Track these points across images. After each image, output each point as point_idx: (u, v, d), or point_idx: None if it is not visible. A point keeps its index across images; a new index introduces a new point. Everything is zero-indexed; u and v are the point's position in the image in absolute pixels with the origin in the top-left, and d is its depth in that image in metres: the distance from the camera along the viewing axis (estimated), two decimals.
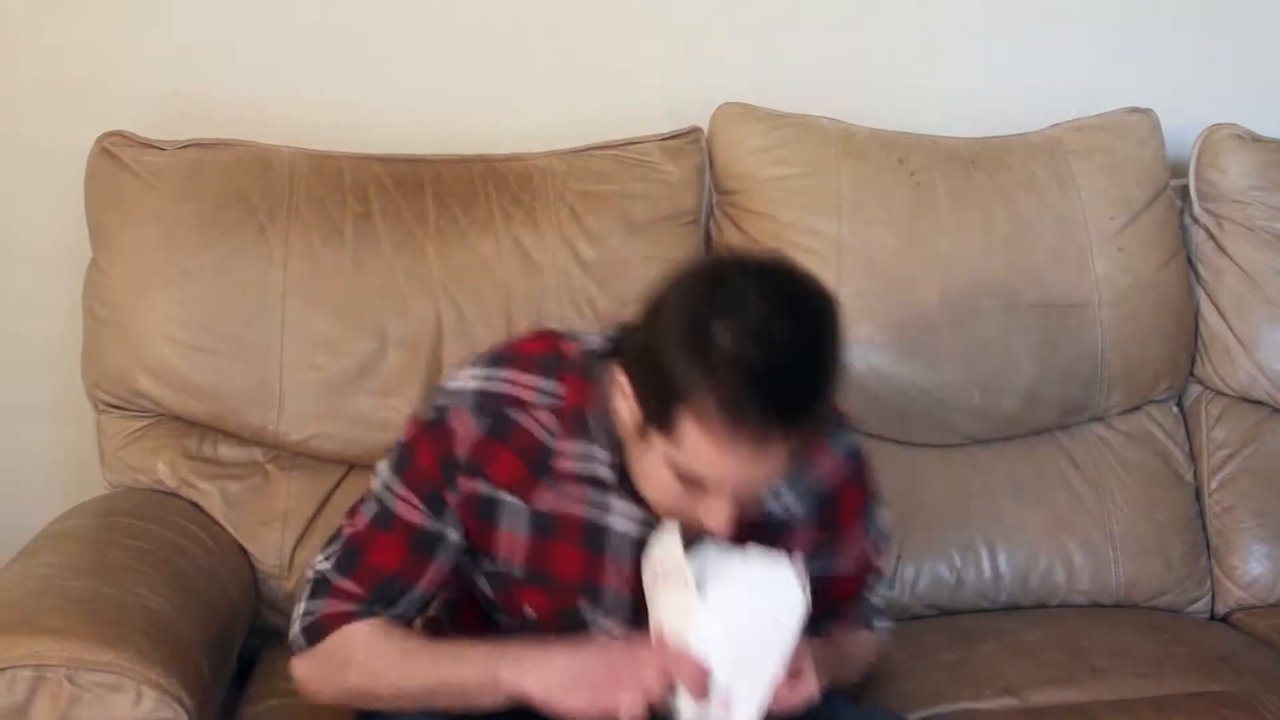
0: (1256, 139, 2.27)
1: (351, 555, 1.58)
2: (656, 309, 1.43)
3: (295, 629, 1.60)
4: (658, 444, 1.43)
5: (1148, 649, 1.99)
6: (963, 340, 2.15)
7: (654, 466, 1.45)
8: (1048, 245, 2.17)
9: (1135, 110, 2.27)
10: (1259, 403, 2.25)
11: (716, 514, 1.44)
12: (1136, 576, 2.17)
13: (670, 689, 1.45)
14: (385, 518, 1.57)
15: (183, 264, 1.98)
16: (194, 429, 2.02)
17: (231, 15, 2.20)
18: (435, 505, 1.55)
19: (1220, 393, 2.27)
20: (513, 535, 1.56)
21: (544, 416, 1.55)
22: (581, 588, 1.57)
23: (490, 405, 1.54)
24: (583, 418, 1.54)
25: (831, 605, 1.65)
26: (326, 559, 1.60)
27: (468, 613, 1.69)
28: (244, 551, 1.97)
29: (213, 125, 2.10)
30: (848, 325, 1.43)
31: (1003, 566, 2.14)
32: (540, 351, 1.58)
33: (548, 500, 1.55)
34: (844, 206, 2.13)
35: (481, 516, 1.56)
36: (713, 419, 1.36)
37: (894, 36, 2.37)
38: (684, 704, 1.44)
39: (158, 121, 2.09)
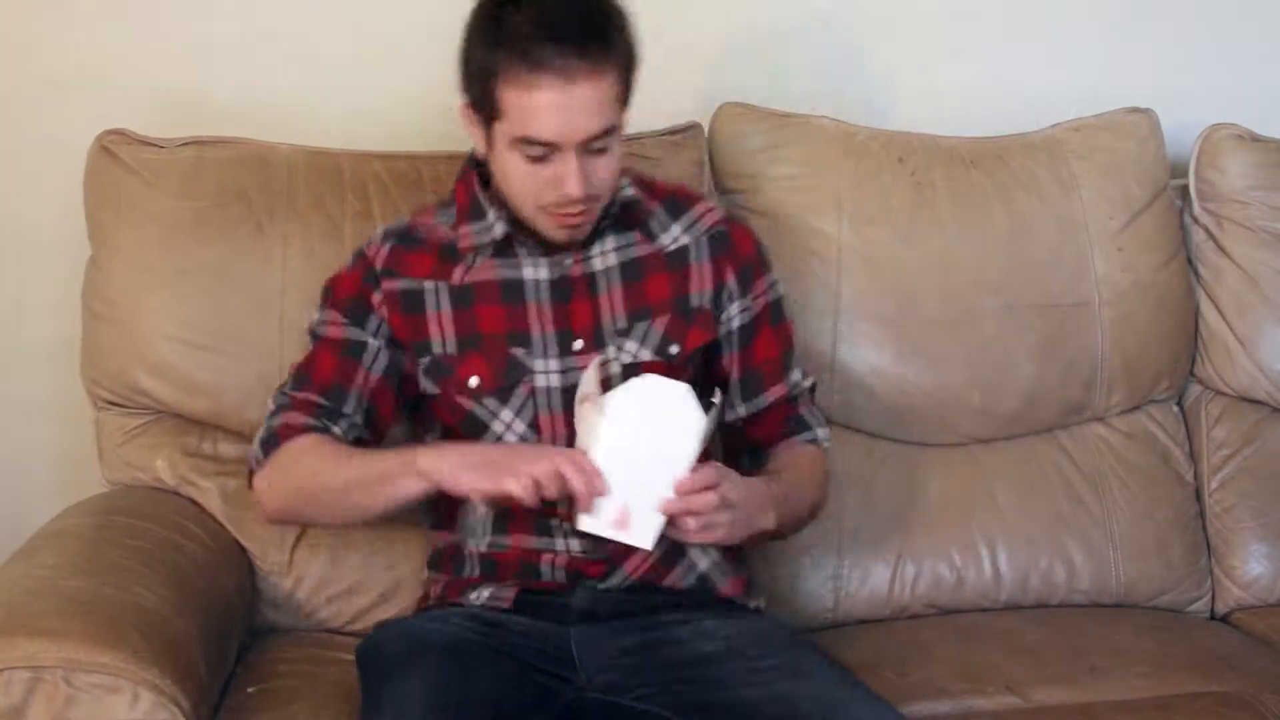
0: (1256, 139, 2.27)
1: (298, 377, 1.81)
2: (464, 38, 1.70)
3: (254, 445, 1.79)
4: (499, 134, 1.68)
5: (1148, 649, 1.99)
6: (963, 340, 2.15)
7: (503, 159, 1.70)
8: (1048, 245, 2.17)
9: (1135, 110, 2.27)
10: (1259, 403, 2.25)
11: (565, 175, 1.66)
12: (1136, 576, 2.17)
13: (568, 495, 1.58)
14: (317, 341, 1.81)
15: (182, 262, 1.98)
16: (193, 426, 2.02)
17: (231, 14, 2.20)
18: (357, 314, 1.79)
19: (1220, 393, 2.26)
20: (439, 314, 1.79)
21: (444, 228, 1.82)
22: (510, 337, 1.78)
23: (396, 229, 1.84)
24: (473, 201, 1.80)
25: (755, 367, 1.87)
26: (281, 387, 1.82)
27: (448, 508, 1.81)
28: (243, 550, 1.96)
29: (212, 123, 2.10)
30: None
31: (1003, 566, 2.14)
32: (436, 201, 1.88)
33: (461, 275, 1.79)
34: (844, 206, 2.13)
35: (406, 309, 1.79)
36: (518, 73, 1.62)
37: (894, 36, 2.37)
38: (582, 516, 1.59)
39: (157, 120, 2.09)
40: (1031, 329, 2.16)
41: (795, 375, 1.90)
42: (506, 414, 1.77)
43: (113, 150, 2.00)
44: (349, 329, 1.79)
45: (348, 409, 1.78)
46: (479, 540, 1.78)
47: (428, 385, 1.80)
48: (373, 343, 1.79)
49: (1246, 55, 2.47)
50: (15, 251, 2.24)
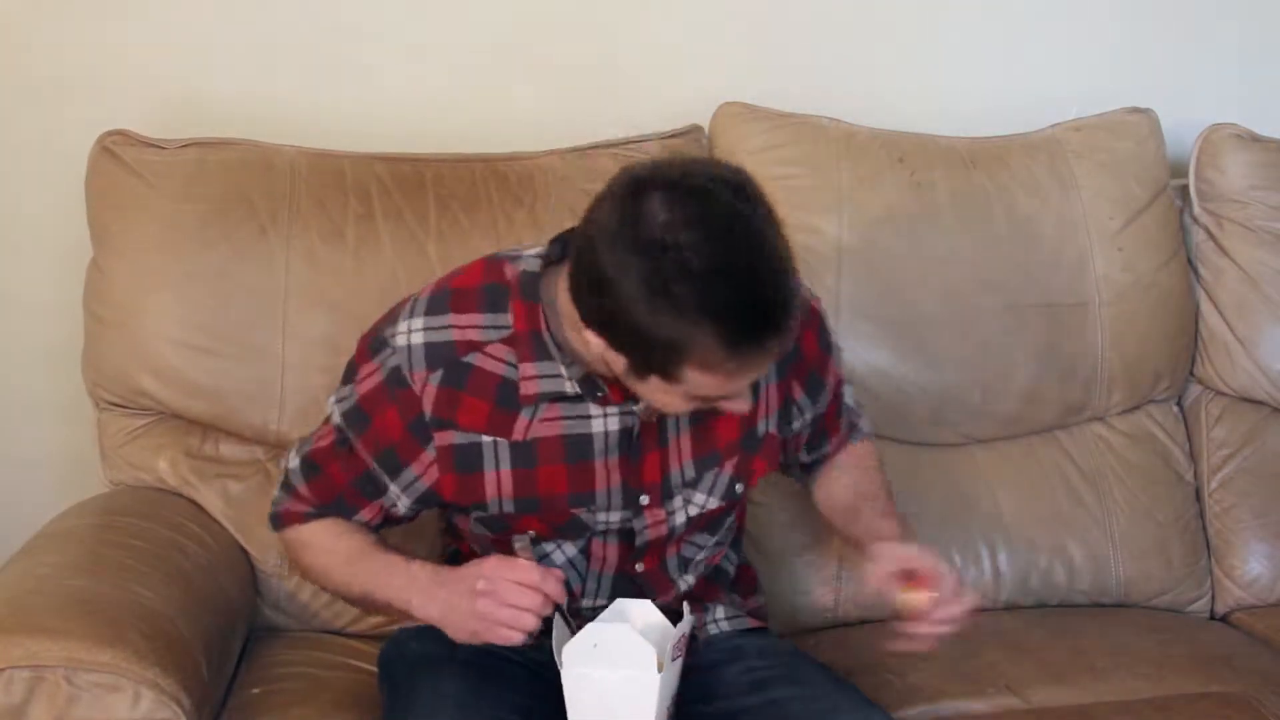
0: (1256, 139, 2.27)
1: (311, 468, 1.69)
2: (601, 270, 1.42)
3: (270, 511, 1.74)
4: (657, 385, 1.47)
5: (1148, 649, 1.99)
6: (963, 340, 2.15)
7: (655, 395, 1.51)
8: (1048, 245, 2.18)
9: (1135, 110, 2.27)
10: (1259, 403, 2.25)
11: (738, 406, 1.54)
12: (1136, 576, 2.17)
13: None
14: (343, 450, 1.65)
15: (184, 264, 1.98)
16: (195, 428, 2.02)
17: (232, 15, 2.20)
18: (391, 464, 1.62)
19: (1220, 393, 2.27)
20: (498, 474, 1.61)
21: (498, 350, 1.58)
22: (571, 499, 1.63)
23: (443, 354, 1.58)
24: (536, 339, 1.57)
25: (822, 430, 1.79)
26: (298, 454, 1.70)
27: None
28: (244, 551, 1.96)
29: (214, 124, 2.10)
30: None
31: (1003, 566, 2.14)
32: (480, 284, 1.61)
33: (524, 429, 1.60)
34: (844, 206, 2.14)
35: (462, 467, 1.61)
36: (717, 363, 1.42)
37: (894, 36, 2.37)
38: None
39: (158, 121, 2.09)
40: (1031, 329, 2.16)
41: (848, 402, 1.85)
42: (561, 540, 1.68)
43: (114, 151, 2.01)
44: (376, 468, 1.63)
45: (355, 520, 1.69)
46: None
47: (480, 529, 1.68)
48: (395, 491, 1.64)
49: (1246, 55, 2.47)
50: (16, 253, 2.24)
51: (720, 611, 1.79)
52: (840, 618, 2.10)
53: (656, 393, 1.50)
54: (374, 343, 1.62)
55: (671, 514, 1.67)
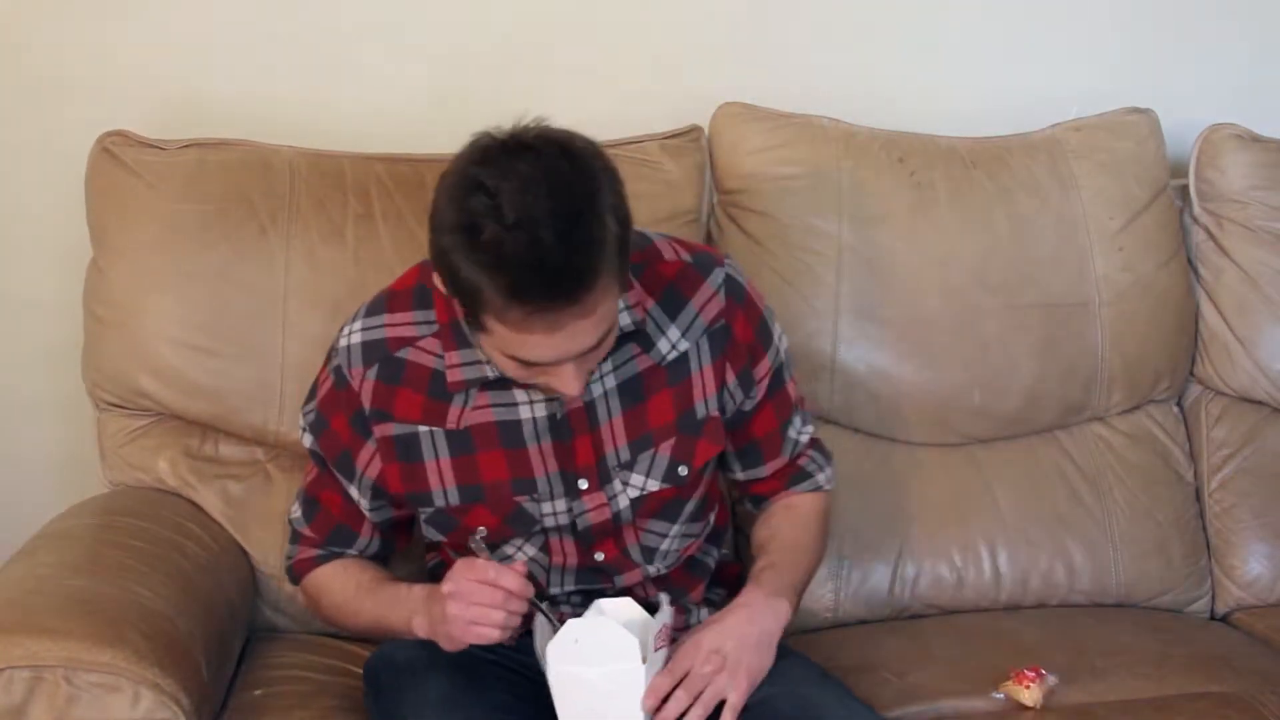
0: (1256, 139, 2.27)
1: (309, 505, 1.77)
2: (437, 205, 1.50)
3: (285, 566, 1.82)
4: (483, 340, 1.54)
5: (1148, 649, 1.99)
6: (963, 340, 2.15)
7: (493, 354, 1.56)
8: (1048, 245, 2.17)
9: (1135, 110, 2.27)
10: (1259, 403, 2.25)
11: (562, 380, 1.54)
12: (1136, 576, 2.17)
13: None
14: (323, 470, 1.74)
15: (184, 264, 1.98)
16: (195, 428, 2.02)
17: (232, 15, 2.21)
18: (346, 468, 1.71)
19: (1220, 393, 2.27)
20: (438, 463, 1.67)
21: (429, 344, 1.66)
22: (515, 484, 1.68)
23: (377, 351, 1.67)
24: (456, 328, 1.63)
25: (753, 441, 1.79)
26: (296, 506, 1.79)
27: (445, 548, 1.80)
28: (244, 551, 1.97)
29: (213, 125, 2.10)
30: (619, 193, 1.51)
31: (1003, 566, 2.14)
32: (414, 284, 1.70)
33: (457, 417, 1.66)
34: (844, 206, 2.13)
35: (403, 456, 1.67)
36: (504, 314, 1.46)
37: (894, 36, 2.37)
38: None
39: (158, 121, 2.09)
40: (1031, 329, 2.16)
41: (793, 435, 1.83)
42: (518, 540, 1.72)
43: (114, 152, 2.01)
44: (338, 476, 1.72)
45: (357, 545, 1.78)
46: None
47: (432, 533, 1.73)
48: (355, 494, 1.72)
49: (1246, 55, 2.47)
50: (16, 253, 2.24)
51: (705, 613, 1.79)
52: (840, 618, 2.10)
53: (486, 348, 1.55)
54: (329, 351, 1.73)
55: (612, 497, 1.70)
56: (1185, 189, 2.29)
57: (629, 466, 1.70)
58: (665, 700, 1.57)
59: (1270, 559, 2.19)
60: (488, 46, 2.26)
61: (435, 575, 1.82)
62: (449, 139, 2.14)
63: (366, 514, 1.74)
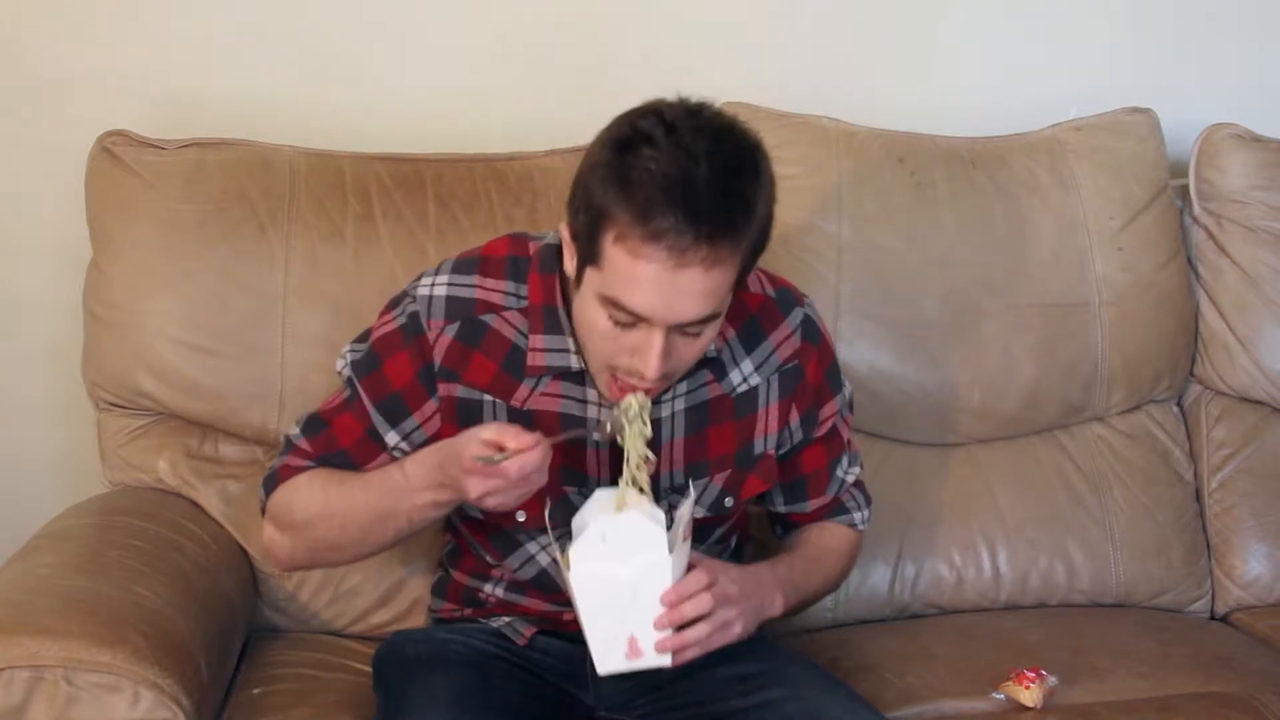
0: (1256, 139, 2.27)
1: (316, 423, 1.70)
2: (599, 138, 1.51)
3: (265, 473, 1.74)
4: (590, 280, 1.50)
5: (1148, 649, 1.99)
6: (963, 340, 2.15)
7: (588, 306, 1.52)
8: (1048, 245, 2.18)
9: (1135, 110, 2.27)
10: (1259, 403, 2.25)
11: (646, 351, 1.49)
12: (1136, 576, 2.17)
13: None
14: (354, 402, 1.67)
15: (183, 264, 1.98)
16: (195, 428, 2.02)
17: (232, 15, 2.21)
18: (393, 412, 1.64)
19: (1220, 393, 2.27)
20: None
21: (514, 317, 1.63)
22: (564, 473, 1.64)
23: (462, 310, 1.63)
24: (550, 312, 1.61)
25: (800, 477, 1.76)
26: (298, 424, 1.72)
27: (469, 558, 1.77)
28: (243, 551, 1.97)
29: (214, 124, 2.10)
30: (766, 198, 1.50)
31: (1003, 566, 2.14)
32: (506, 254, 1.67)
33: (525, 397, 1.63)
34: (844, 206, 2.13)
35: (463, 421, 1.62)
36: (630, 230, 1.43)
37: (894, 36, 2.37)
38: (597, 661, 1.53)
39: (158, 121, 2.09)
40: (1031, 329, 2.16)
41: (840, 474, 1.81)
42: (544, 538, 1.67)
43: (114, 152, 2.01)
44: (376, 417, 1.66)
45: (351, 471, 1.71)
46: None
47: (469, 507, 1.63)
48: (394, 440, 1.66)
49: (1246, 55, 2.47)
50: (16, 253, 2.24)
51: None
52: (840, 618, 2.10)
53: (589, 299, 1.51)
54: (395, 299, 1.68)
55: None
56: (1185, 189, 2.29)
57: (681, 491, 1.67)
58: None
59: (1270, 559, 2.19)
60: (488, 46, 2.27)
61: (452, 557, 1.82)
62: (449, 139, 2.17)
63: (397, 458, 1.66)
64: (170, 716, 1.53)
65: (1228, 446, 2.24)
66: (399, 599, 1.98)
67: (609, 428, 1.58)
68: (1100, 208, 2.20)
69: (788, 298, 1.73)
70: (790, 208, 2.13)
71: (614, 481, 1.62)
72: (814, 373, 1.73)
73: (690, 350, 1.55)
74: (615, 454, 1.63)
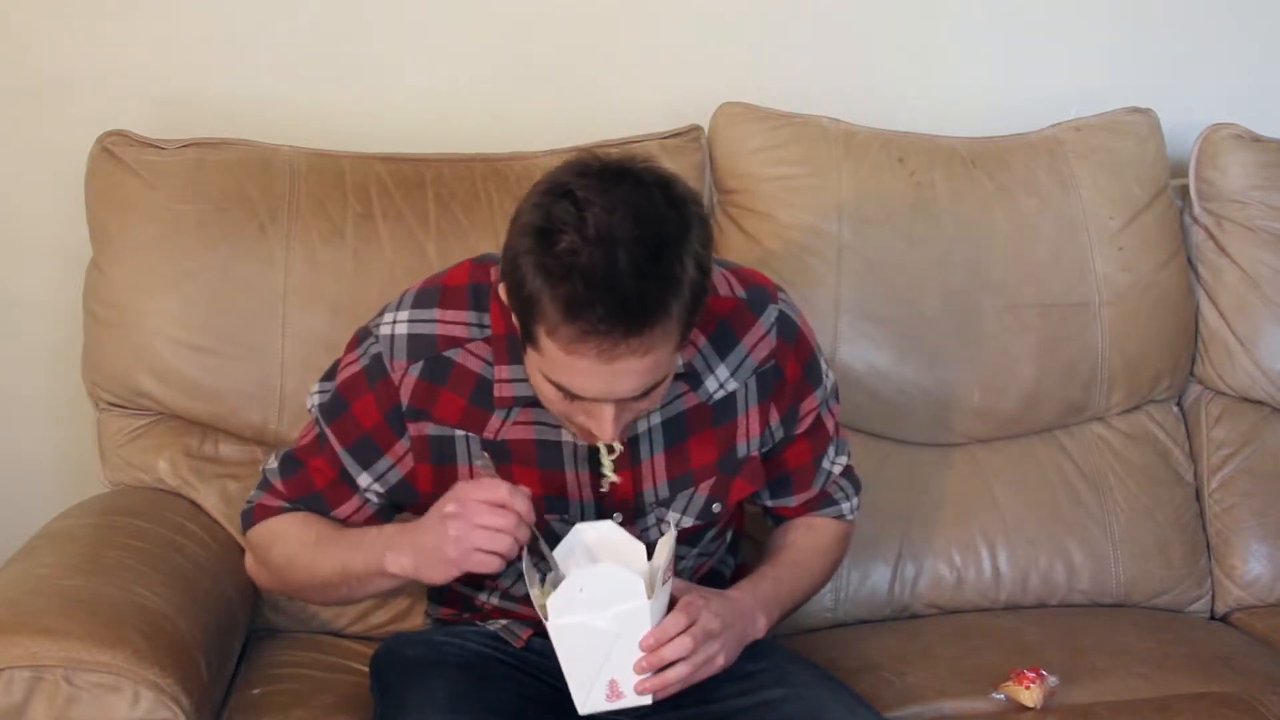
0: (1256, 139, 2.27)
1: (291, 463, 1.70)
2: (521, 207, 1.45)
3: (242, 509, 1.75)
4: (532, 358, 1.49)
5: (1148, 649, 1.99)
6: (963, 340, 2.15)
7: (535, 377, 1.51)
8: (1048, 245, 2.17)
9: (1135, 110, 2.27)
10: (1259, 403, 2.25)
11: (599, 422, 1.49)
12: (1136, 576, 2.17)
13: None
14: (324, 443, 1.66)
15: (183, 264, 1.98)
16: (195, 428, 2.02)
17: (232, 15, 2.20)
18: (364, 454, 1.64)
19: (1220, 393, 2.27)
20: (470, 467, 1.63)
21: (478, 348, 1.61)
22: (546, 502, 1.63)
23: (425, 348, 1.61)
24: (513, 341, 1.56)
25: (785, 472, 1.75)
26: (275, 458, 1.72)
27: (451, 593, 1.78)
28: (243, 551, 1.96)
29: (214, 124, 2.10)
30: (703, 232, 1.46)
31: (1003, 566, 2.14)
32: (467, 281, 1.65)
33: (497, 428, 1.62)
34: (844, 206, 2.13)
35: (436, 458, 1.63)
36: (558, 330, 1.41)
37: (894, 36, 2.37)
38: (579, 703, 1.53)
39: (158, 121, 2.09)
40: (1031, 329, 2.16)
41: (826, 466, 1.79)
42: (534, 558, 1.63)
43: (114, 152, 2.01)
44: (347, 460, 1.66)
45: (328, 516, 1.71)
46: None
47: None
48: (366, 481, 1.66)
49: (1246, 55, 2.47)
50: (16, 253, 2.24)
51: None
52: (840, 618, 2.10)
53: (536, 372, 1.50)
54: (358, 335, 1.67)
55: (645, 530, 1.67)
56: (1185, 189, 2.29)
57: (666, 504, 1.67)
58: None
59: (1270, 559, 2.19)
60: (488, 46, 2.26)
61: (436, 591, 1.82)
62: (449, 139, 2.17)
63: (369, 504, 1.67)
64: (170, 716, 1.53)
65: (1228, 446, 2.24)
66: (398, 600, 1.98)
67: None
68: (1100, 208, 2.19)
69: (759, 296, 1.70)
70: (790, 208, 2.14)
71: (597, 505, 1.63)
72: (792, 370, 1.70)
73: (647, 404, 1.54)
74: (595, 481, 1.63)
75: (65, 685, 1.51)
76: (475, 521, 1.51)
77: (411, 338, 1.61)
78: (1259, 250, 2.23)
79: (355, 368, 1.64)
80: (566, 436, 1.62)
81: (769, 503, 1.81)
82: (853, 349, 2.12)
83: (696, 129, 2.19)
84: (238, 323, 1.98)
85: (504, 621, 1.75)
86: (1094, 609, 2.15)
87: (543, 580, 1.57)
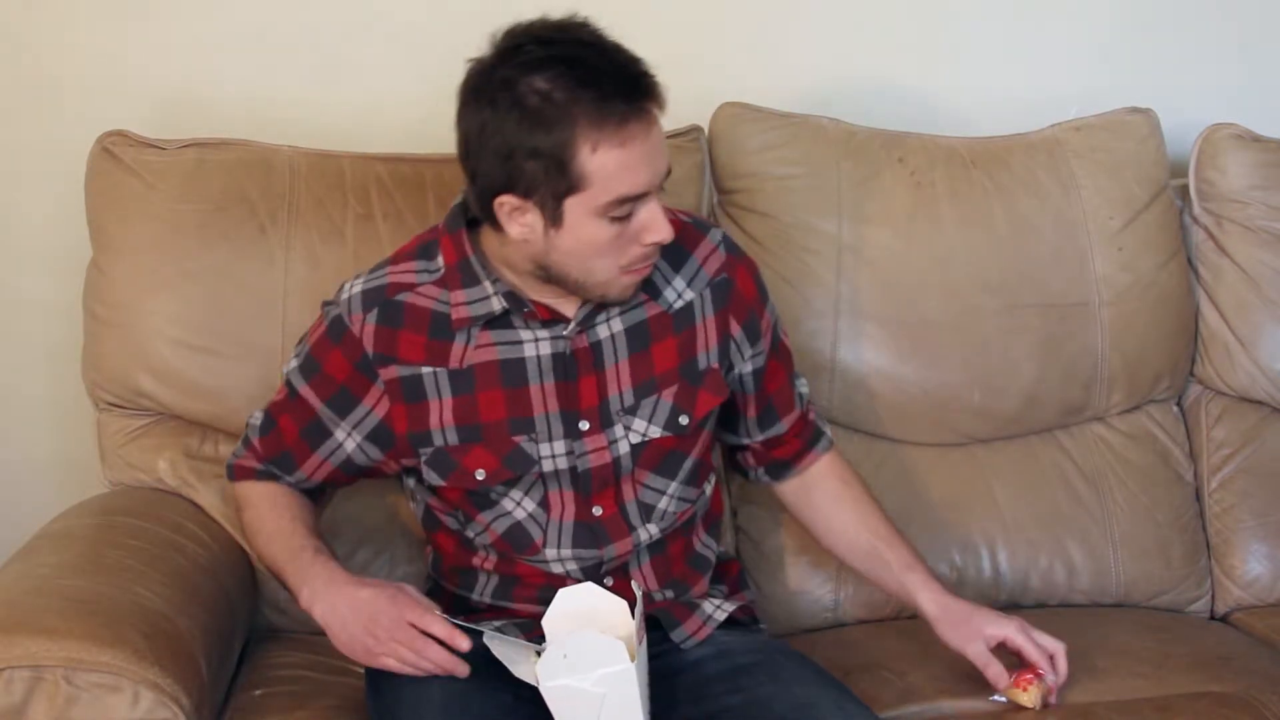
0: (1256, 139, 2.26)
1: (268, 420, 1.81)
2: (480, 129, 1.59)
3: (227, 461, 1.87)
4: (577, 209, 1.56)
5: (1148, 649, 1.99)
6: (963, 340, 2.15)
7: (584, 233, 1.58)
8: (1048, 245, 2.18)
9: (1135, 110, 2.27)
10: (1259, 403, 2.25)
11: (655, 222, 1.59)
12: (1136, 576, 2.17)
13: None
14: (294, 399, 1.76)
15: (183, 264, 1.98)
16: (195, 428, 2.02)
17: (232, 15, 2.21)
18: (341, 404, 1.73)
19: (1220, 393, 2.27)
20: (440, 402, 1.70)
21: (429, 289, 1.70)
22: (513, 424, 1.70)
23: (378, 297, 1.71)
24: (464, 266, 1.68)
25: (768, 400, 1.86)
26: (258, 414, 1.82)
27: (452, 563, 1.82)
28: (243, 551, 1.96)
29: (213, 125, 2.10)
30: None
31: (1003, 566, 2.14)
32: (416, 243, 1.76)
33: (461, 356, 1.69)
34: (844, 206, 2.14)
35: (409, 397, 1.70)
36: (604, 132, 1.53)
37: (894, 36, 2.37)
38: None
39: (158, 121, 2.10)
40: (1031, 329, 2.16)
41: (800, 388, 1.90)
42: (516, 494, 1.73)
43: (114, 152, 2.01)
44: (323, 413, 1.74)
45: (295, 477, 1.80)
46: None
47: (432, 477, 1.73)
48: (340, 436, 1.75)
49: (1246, 55, 2.47)
50: (16, 253, 2.24)
51: (709, 607, 1.80)
52: (840, 618, 2.10)
53: (581, 225, 1.57)
54: (322, 305, 1.77)
55: (613, 442, 1.72)
56: (1185, 189, 2.29)
57: (632, 411, 1.72)
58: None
59: (1270, 559, 2.19)
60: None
61: (435, 568, 1.86)
62: (449, 139, 2.15)
63: (344, 451, 1.75)
64: (170, 716, 1.53)
65: (1228, 446, 2.24)
66: None
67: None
68: (1100, 208, 2.20)
69: (701, 221, 1.83)
70: (790, 208, 2.14)
71: (563, 415, 1.69)
72: (744, 280, 1.80)
73: (664, 205, 1.64)
74: (562, 389, 1.70)
75: (65, 685, 1.51)
76: (391, 636, 1.62)
77: (364, 293, 1.71)
78: (1259, 250, 2.23)
79: (320, 330, 1.74)
80: (529, 351, 1.69)
81: (760, 437, 1.87)
82: (853, 349, 2.12)
83: (696, 129, 2.19)
84: (238, 323, 1.98)
85: (499, 624, 1.75)
86: (1094, 609, 2.15)
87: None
